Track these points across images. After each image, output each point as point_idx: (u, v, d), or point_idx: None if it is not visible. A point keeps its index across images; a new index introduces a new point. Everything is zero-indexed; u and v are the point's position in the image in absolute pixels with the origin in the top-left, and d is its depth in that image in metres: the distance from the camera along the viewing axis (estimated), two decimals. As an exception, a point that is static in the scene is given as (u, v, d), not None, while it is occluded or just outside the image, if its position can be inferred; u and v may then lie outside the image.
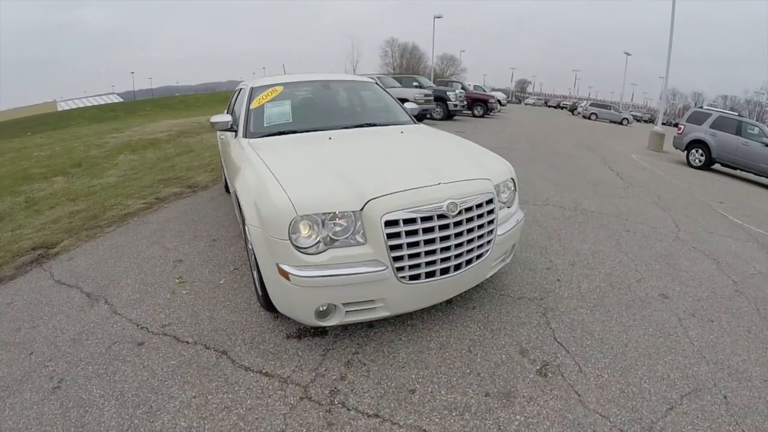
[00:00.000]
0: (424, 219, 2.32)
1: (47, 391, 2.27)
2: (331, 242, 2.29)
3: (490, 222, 2.62)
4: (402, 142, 3.42)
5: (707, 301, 3.19)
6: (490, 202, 2.59)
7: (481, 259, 2.62)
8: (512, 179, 3.00)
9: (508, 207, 2.97)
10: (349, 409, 2.09)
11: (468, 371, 2.39)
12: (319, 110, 4.14)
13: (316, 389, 2.22)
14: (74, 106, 59.09)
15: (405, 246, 2.28)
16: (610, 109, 33.03)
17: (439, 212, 2.35)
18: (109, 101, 64.48)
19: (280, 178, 2.47)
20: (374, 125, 3.78)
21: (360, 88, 4.61)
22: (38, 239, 4.65)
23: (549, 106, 53.44)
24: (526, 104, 56.20)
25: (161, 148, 9.82)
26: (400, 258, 2.29)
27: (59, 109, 58.59)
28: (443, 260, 2.41)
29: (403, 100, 13.71)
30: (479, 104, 19.60)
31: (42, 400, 2.20)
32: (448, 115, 16.44)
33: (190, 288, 3.24)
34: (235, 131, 3.71)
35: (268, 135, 3.47)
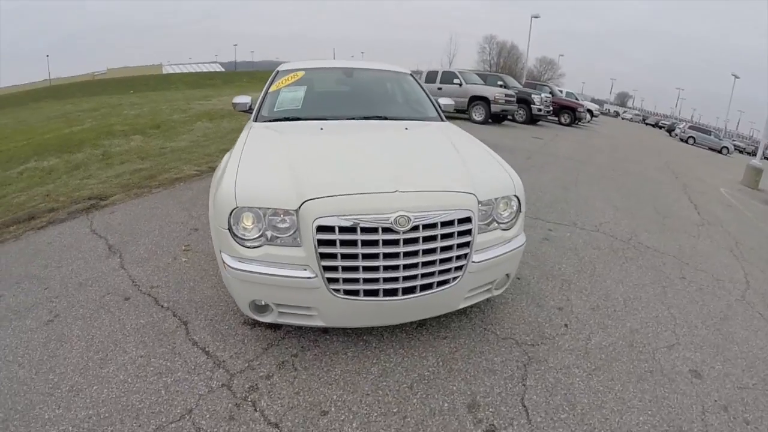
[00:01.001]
0: (365, 230, 1.98)
1: (42, 322, 2.59)
2: (274, 239, 2.11)
3: (463, 245, 2.16)
4: (396, 140, 3.06)
5: (753, 392, 2.38)
6: (465, 221, 2.14)
7: (446, 287, 2.19)
8: (516, 197, 2.47)
9: (505, 229, 2.44)
10: (255, 410, 1.97)
11: (395, 410, 2.02)
12: (332, 98, 3.94)
13: (239, 380, 2.14)
14: (178, 71, 63.34)
15: (339, 257, 2.00)
16: (710, 135, 28.74)
17: (385, 225, 1.97)
18: (212, 70, 68.48)
19: (241, 167, 2.33)
20: (384, 118, 3.44)
21: (387, 78, 4.28)
22: (97, 190, 5.22)
23: (646, 124, 48.59)
24: (622, 118, 51.75)
25: (237, 119, 10.07)
26: (332, 269, 2.02)
27: (164, 72, 63.04)
28: (388, 280, 2.04)
29: (479, 98, 13.16)
30: (566, 111, 18.01)
31: (36, 329, 2.52)
32: (531, 120, 15.26)
33: (191, 257, 3.37)
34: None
35: (275, 120, 3.35)
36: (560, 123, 18.13)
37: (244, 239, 2.10)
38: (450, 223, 2.09)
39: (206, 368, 2.21)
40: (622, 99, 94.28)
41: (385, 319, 2.29)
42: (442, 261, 2.12)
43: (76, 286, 2.97)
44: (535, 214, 4.96)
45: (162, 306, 2.73)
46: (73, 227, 4.01)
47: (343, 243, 1.99)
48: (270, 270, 2.06)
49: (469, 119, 13.49)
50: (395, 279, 2.04)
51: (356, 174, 2.28)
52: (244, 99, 3.86)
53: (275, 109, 3.54)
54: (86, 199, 4.94)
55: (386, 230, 1.98)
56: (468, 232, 2.16)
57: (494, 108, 12.87)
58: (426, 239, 2.05)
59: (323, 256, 2.00)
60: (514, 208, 2.48)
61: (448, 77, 13.80)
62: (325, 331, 2.49)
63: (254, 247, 2.10)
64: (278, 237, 2.10)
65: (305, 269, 2.04)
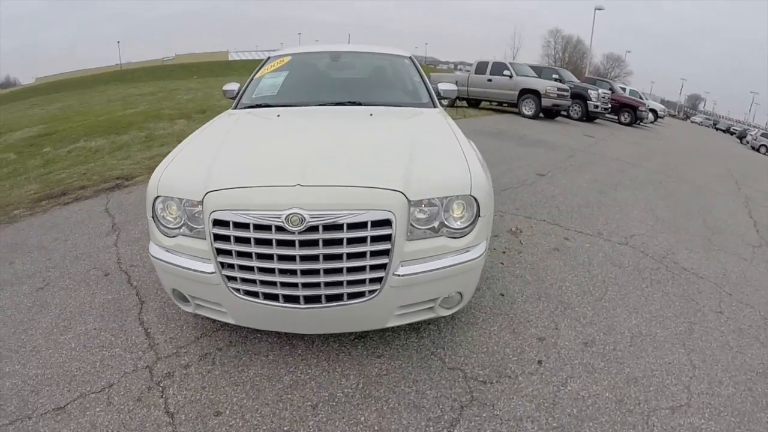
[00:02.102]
0: (259, 227, 1.70)
1: (34, 288, 2.79)
2: (192, 229, 1.93)
3: (379, 253, 1.76)
4: (350, 128, 2.69)
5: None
6: (382, 224, 1.73)
7: (360, 300, 1.81)
8: (474, 198, 1.92)
9: (455, 237, 1.92)
10: (161, 397, 1.91)
11: (285, 429, 1.76)
12: (310, 83, 3.67)
13: (162, 365, 2.11)
14: (243, 58, 64.80)
15: (234, 254, 1.77)
16: (785, 143, 25.23)
17: (277, 223, 1.67)
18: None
19: (177, 155, 2.23)
20: (359, 104, 3.09)
21: (378, 62, 3.93)
22: (127, 171, 5.40)
23: (717, 129, 43.60)
24: (692, 122, 46.95)
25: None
26: (230, 266, 1.80)
27: (230, 59, 64.60)
28: (286, 285, 1.77)
29: (530, 91, 12.15)
30: (627, 110, 16.20)
31: (27, 294, 2.73)
32: (588, 117, 13.89)
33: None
34: None
35: (249, 107, 3.19)
36: (620, 122, 16.35)
37: (167, 228, 1.98)
38: (361, 225, 1.71)
39: (140, 348, 2.23)
40: (693, 102, 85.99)
41: (296, 327, 1.98)
42: (352, 270, 1.75)
43: (72, 260, 3.15)
44: (555, 218, 4.24)
45: (132, 284, 2.80)
46: (92, 205, 4.22)
47: (238, 240, 1.74)
48: (178, 260, 1.93)
49: (519, 113, 12.53)
50: (293, 285, 1.75)
51: (269, 165, 2.01)
52: (233, 86, 3.64)
53: (253, 96, 3.38)
54: (115, 179, 5.12)
55: (280, 229, 1.67)
56: (386, 237, 1.74)
57: (545, 102, 11.79)
58: (328, 243, 1.70)
59: (219, 251, 1.79)
60: (473, 212, 1.92)
61: (498, 69, 12.81)
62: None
63: (171, 237, 1.98)
64: (194, 228, 1.91)
65: (210, 263, 1.85)
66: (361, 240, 1.72)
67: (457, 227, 1.93)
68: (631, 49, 72.77)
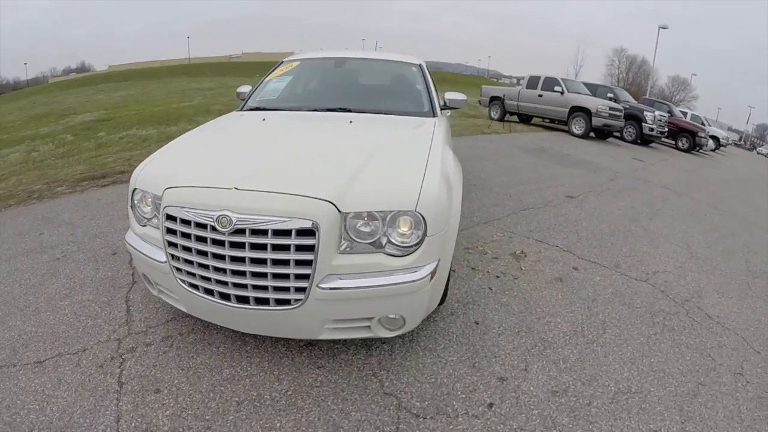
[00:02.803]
0: (198, 225, 1.75)
1: (52, 258, 3.09)
2: (157, 220, 2.00)
3: (302, 263, 1.69)
4: (322, 134, 2.65)
5: None
6: (306, 233, 1.67)
7: (286, 307, 1.75)
8: (420, 215, 1.75)
9: (395, 255, 1.77)
10: (118, 368, 2.03)
11: (207, 417, 1.78)
12: (308, 89, 3.67)
13: (130, 340, 2.23)
14: None
15: (180, 248, 1.83)
16: None
17: (211, 223, 1.71)
18: None
19: (162, 151, 2.34)
20: (348, 111, 2.99)
21: (383, 69, 3.86)
22: None
23: None
24: (758, 153, 42.30)
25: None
26: (175, 258, 1.86)
27: None
28: (219, 282, 1.79)
29: (581, 109, 11.49)
30: (685, 135, 14.74)
31: (45, 262, 3.03)
32: (642, 139, 12.81)
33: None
34: None
35: (251, 109, 3.25)
36: (677, 147, 14.92)
37: (142, 217, 2.08)
38: (285, 232, 1.67)
39: (118, 322, 2.37)
40: (762, 131, 77.45)
41: (232, 323, 1.98)
42: (277, 276, 1.71)
43: (91, 237, 3.41)
44: (570, 245, 3.81)
45: (131, 265, 2.92)
46: (124, 189, 4.25)
47: (183, 234, 1.80)
48: (143, 248, 2.02)
49: (569, 132, 11.79)
50: (225, 283, 1.77)
51: (222, 167, 2.03)
52: (245, 89, 3.72)
53: (257, 99, 3.44)
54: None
55: (214, 229, 1.70)
56: (310, 248, 1.68)
57: (596, 121, 10.97)
58: (254, 247, 1.69)
59: (169, 243, 1.86)
60: (421, 230, 1.76)
61: (550, 84, 12.12)
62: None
63: (142, 226, 2.08)
64: (158, 219, 1.97)
65: (162, 252, 1.93)
66: (286, 247, 1.68)
67: (402, 245, 1.77)
68: (699, 73, 67.33)
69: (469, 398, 1.88)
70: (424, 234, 1.75)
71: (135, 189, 2.07)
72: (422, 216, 1.73)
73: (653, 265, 3.64)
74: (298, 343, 2.18)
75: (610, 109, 11.09)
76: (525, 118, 13.83)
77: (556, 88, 11.88)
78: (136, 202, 2.08)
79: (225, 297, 1.79)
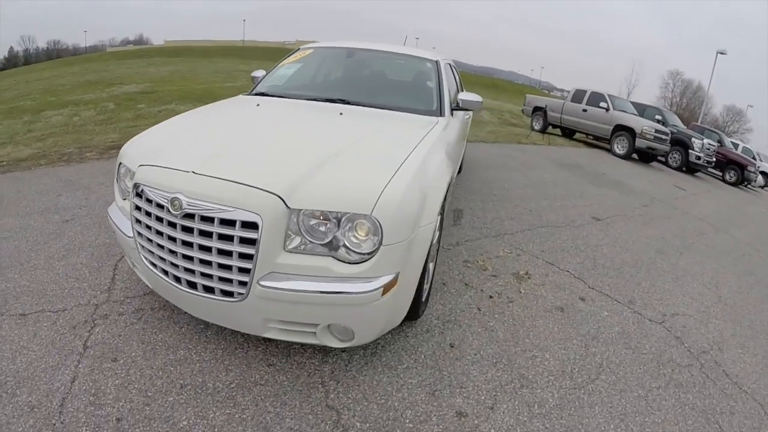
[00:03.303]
0: (157, 205, 1.70)
1: (62, 220, 3.19)
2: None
3: (244, 257, 1.59)
4: (307, 125, 2.47)
5: None
6: (249, 226, 1.56)
7: (229, 300, 1.66)
8: (375, 219, 1.56)
9: (348, 262, 1.61)
10: (88, 332, 2.07)
11: (149, 395, 1.77)
12: (313, 77, 3.52)
13: (105, 307, 2.26)
14: None
15: (142, 224, 1.80)
16: None
17: (167, 204, 1.66)
18: None
19: (154, 129, 2.32)
20: (346, 102, 2.80)
21: (394, 63, 3.65)
22: None
23: None
24: None
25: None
26: (140, 235, 1.83)
27: None
28: (172, 264, 1.73)
29: (625, 128, 10.77)
30: (733, 168, 13.48)
31: (55, 222, 3.13)
32: (687, 167, 11.77)
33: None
34: None
35: (256, 94, 3.16)
36: (724, 180, 13.67)
37: (124, 191, 2.06)
38: (231, 223, 1.57)
39: (101, 288, 2.41)
40: None
41: (186, 307, 1.90)
42: (222, 267, 1.62)
43: (102, 204, 3.42)
44: (583, 272, 3.43)
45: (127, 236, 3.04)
46: None
47: (146, 213, 1.76)
48: (119, 221, 2.01)
49: (611, 151, 11.05)
50: (176, 266, 1.71)
51: (190, 149, 1.94)
52: (259, 73, 3.63)
53: (266, 84, 3.34)
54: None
55: (169, 211, 1.64)
56: (252, 241, 1.56)
57: (639, 143, 10.16)
58: (202, 233, 1.61)
59: (135, 220, 1.84)
60: (377, 238, 1.58)
61: (595, 99, 11.34)
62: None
63: (123, 199, 2.06)
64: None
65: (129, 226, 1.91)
66: (230, 238, 1.58)
67: (357, 251, 1.60)
68: (756, 105, 62.24)
69: (416, 429, 1.62)
70: (380, 242, 1.56)
71: (120, 163, 2.07)
72: (378, 222, 1.54)
73: (673, 305, 3.21)
74: (258, 336, 2.02)
75: (656, 131, 10.24)
76: (568, 132, 13.12)
77: (602, 104, 11.11)
78: (120, 175, 2.07)
79: (177, 280, 1.74)
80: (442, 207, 2.32)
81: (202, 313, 1.86)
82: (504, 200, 5.10)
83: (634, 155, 10.90)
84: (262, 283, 1.57)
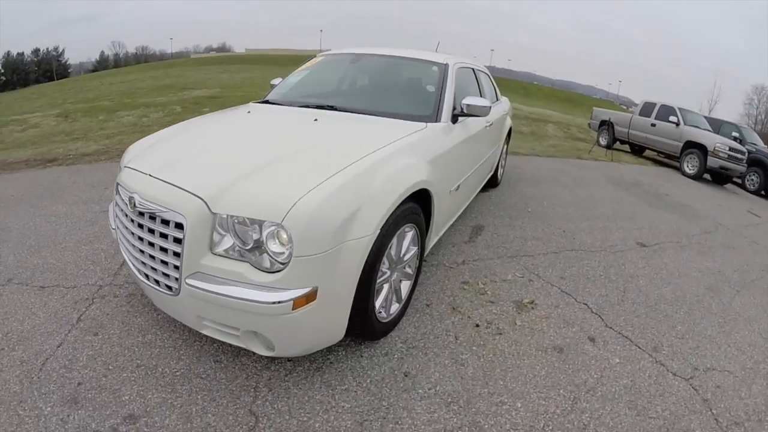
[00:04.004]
0: (125, 202, 1.85)
1: (101, 210, 3.57)
2: None
3: (175, 254, 1.64)
4: (280, 131, 2.40)
5: None
6: (178, 226, 1.62)
7: (168, 293, 1.71)
8: (286, 229, 1.50)
9: (263, 270, 1.55)
10: (84, 307, 2.31)
11: (108, 368, 1.95)
12: (313, 84, 3.42)
13: (107, 288, 2.48)
14: None
15: (119, 219, 1.98)
16: None
17: (128, 202, 1.79)
18: None
19: (155, 133, 2.47)
20: (333, 109, 2.68)
21: (398, 67, 3.39)
22: None
23: None
24: None
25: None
26: (118, 228, 2.02)
27: None
28: (133, 255, 1.85)
29: (696, 145, 9.44)
30: None
31: (94, 212, 3.55)
32: (767, 191, 9.95)
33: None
34: None
35: (262, 102, 3.16)
36: None
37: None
38: (166, 222, 1.65)
39: (109, 272, 2.65)
40: None
41: (149, 295, 1.96)
42: (162, 262, 1.69)
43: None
44: (603, 307, 2.89)
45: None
46: None
47: (120, 209, 1.94)
48: (110, 214, 2.22)
49: (680, 170, 9.70)
50: (135, 257, 1.84)
51: (160, 154, 2.05)
52: (277, 81, 3.64)
53: (273, 92, 3.34)
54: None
55: (129, 207, 1.78)
56: (178, 240, 1.61)
57: (711, 162, 8.70)
58: (149, 230, 1.71)
59: (115, 214, 2.07)
60: (287, 245, 1.52)
61: (665, 113, 9.92)
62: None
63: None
64: None
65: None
66: (166, 236, 1.65)
67: (276, 260, 1.54)
68: None
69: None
70: (291, 253, 1.49)
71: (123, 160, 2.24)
72: (288, 231, 1.48)
73: (711, 357, 2.57)
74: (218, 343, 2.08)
75: (731, 149, 8.69)
76: (636, 149, 11.79)
77: (671, 119, 9.70)
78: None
79: (138, 270, 1.85)
80: (414, 219, 2.12)
81: (158, 303, 1.92)
82: (537, 218, 4.58)
83: (706, 175, 9.46)
84: (188, 281, 1.59)
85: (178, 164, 1.85)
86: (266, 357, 1.91)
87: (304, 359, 1.97)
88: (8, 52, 67.85)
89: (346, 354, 2.06)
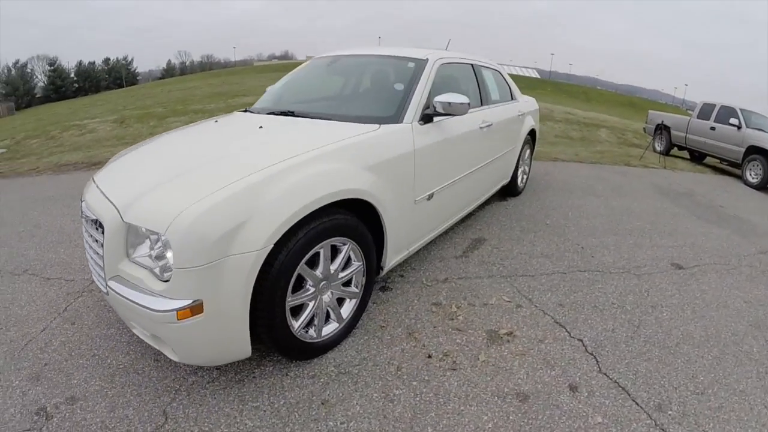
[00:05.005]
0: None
1: None
2: None
3: (101, 257, 1.63)
4: (217, 140, 2.23)
5: None
6: (102, 232, 1.60)
7: (103, 291, 1.68)
8: (167, 240, 1.43)
9: (160, 279, 1.49)
10: (74, 299, 2.46)
11: (97, 355, 1.97)
12: (287, 91, 3.14)
13: (92, 284, 2.57)
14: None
15: None
16: None
17: None
18: (527, 75, 64.11)
19: (140, 143, 2.48)
20: (292, 114, 2.48)
21: (371, 67, 3.04)
22: None
23: None
24: None
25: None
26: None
27: None
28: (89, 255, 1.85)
29: (760, 151, 7.90)
30: None
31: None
32: None
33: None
34: None
35: (245, 110, 2.96)
36: None
37: None
38: (100, 226, 1.65)
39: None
40: None
41: None
42: (96, 264, 1.70)
43: None
44: (601, 345, 2.28)
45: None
46: None
47: None
48: None
49: (742, 179, 8.17)
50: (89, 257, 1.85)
51: (119, 163, 2.11)
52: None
53: (260, 99, 3.18)
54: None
55: None
56: (102, 245, 1.62)
57: None
58: (89, 234, 1.78)
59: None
60: (163, 254, 1.49)
61: (725, 115, 8.36)
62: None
63: None
64: None
65: None
66: (97, 240, 1.67)
67: (165, 270, 1.49)
68: None
69: None
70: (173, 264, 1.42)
71: None
72: (170, 242, 1.41)
73: (736, 425, 1.88)
74: None
75: None
76: (696, 156, 10.21)
77: (732, 121, 8.12)
78: None
79: (92, 268, 1.84)
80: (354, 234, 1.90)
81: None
82: (554, 231, 3.93)
83: (768, 184, 7.89)
84: (109, 283, 1.60)
85: (120, 175, 1.91)
86: (208, 371, 1.89)
87: (230, 369, 1.88)
88: (80, 61, 70.53)
89: (272, 370, 1.88)
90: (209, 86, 21.19)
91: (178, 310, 1.40)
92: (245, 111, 2.90)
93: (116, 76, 71.45)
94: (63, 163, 5.33)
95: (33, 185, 4.99)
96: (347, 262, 1.99)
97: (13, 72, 60.27)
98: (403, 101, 2.37)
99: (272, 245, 1.52)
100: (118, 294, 1.54)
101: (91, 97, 39.06)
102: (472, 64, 3.39)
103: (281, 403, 1.69)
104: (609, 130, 16.61)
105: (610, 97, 42.43)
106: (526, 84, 37.77)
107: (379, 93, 2.73)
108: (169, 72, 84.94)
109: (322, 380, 1.81)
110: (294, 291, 1.71)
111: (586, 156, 9.07)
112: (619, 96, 52.13)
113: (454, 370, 1.91)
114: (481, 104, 3.37)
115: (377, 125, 2.16)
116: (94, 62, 72.21)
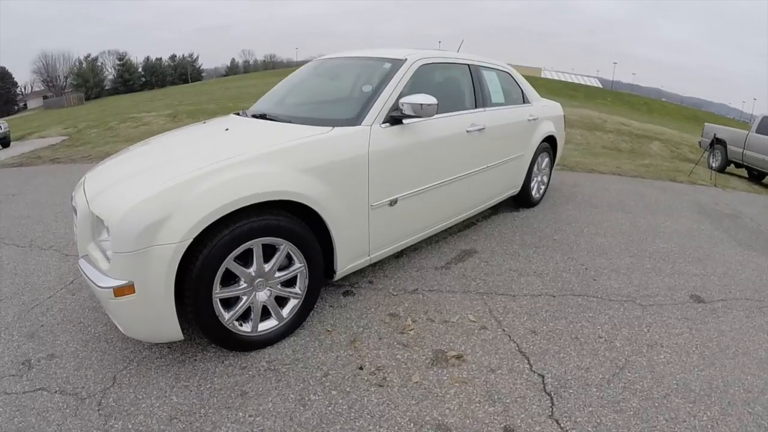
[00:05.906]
0: None
1: None
2: None
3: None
4: (186, 141, 2.27)
5: None
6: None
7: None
8: (108, 228, 1.59)
9: (107, 261, 1.66)
10: (73, 277, 2.67)
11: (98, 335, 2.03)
12: (273, 93, 3.06)
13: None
14: (554, 78, 57.06)
15: None
16: None
17: None
18: (588, 84, 59.13)
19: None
20: (265, 118, 2.44)
21: (352, 69, 2.94)
22: None
23: None
24: None
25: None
26: None
27: (541, 75, 56.96)
28: None
29: None
30: None
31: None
32: None
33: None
34: None
35: (235, 113, 2.95)
36: None
37: None
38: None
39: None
40: None
41: None
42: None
43: None
44: (566, 386, 1.88)
45: None
46: None
47: None
48: None
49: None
50: None
51: (107, 164, 2.17)
52: None
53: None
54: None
55: None
56: None
57: None
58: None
59: None
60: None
61: None
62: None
63: None
64: None
65: None
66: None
67: (108, 252, 1.65)
68: None
69: None
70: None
71: None
72: (108, 228, 1.55)
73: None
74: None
75: None
76: (756, 174, 8.79)
77: None
78: None
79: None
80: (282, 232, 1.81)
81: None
82: (559, 248, 3.46)
83: None
84: (80, 261, 1.77)
85: (104, 171, 1.99)
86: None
87: (178, 349, 1.96)
88: (147, 57, 69.84)
89: (212, 356, 1.92)
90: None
91: (114, 288, 1.52)
92: (238, 113, 2.83)
93: (182, 72, 70.41)
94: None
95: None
96: (289, 263, 1.90)
97: (84, 65, 61.14)
98: (367, 103, 2.19)
99: (191, 239, 1.55)
100: (82, 270, 1.70)
101: (155, 91, 40.98)
102: (468, 65, 3.04)
103: (207, 386, 1.72)
104: (662, 143, 14.93)
105: (674, 109, 38.35)
106: (585, 93, 35.07)
107: (348, 95, 2.62)
108: (232, 70, 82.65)
109: (250, 373, 1.79)
110: (227, 284, 1.72)
111: (629, 169, 8.14)
112: (684, 108, 46.94)
113: (381, 386, 1.66)
114: (476, 106, 3.01)
115: (330, 127, 2.03)
116: (161, 58, 71.88)
